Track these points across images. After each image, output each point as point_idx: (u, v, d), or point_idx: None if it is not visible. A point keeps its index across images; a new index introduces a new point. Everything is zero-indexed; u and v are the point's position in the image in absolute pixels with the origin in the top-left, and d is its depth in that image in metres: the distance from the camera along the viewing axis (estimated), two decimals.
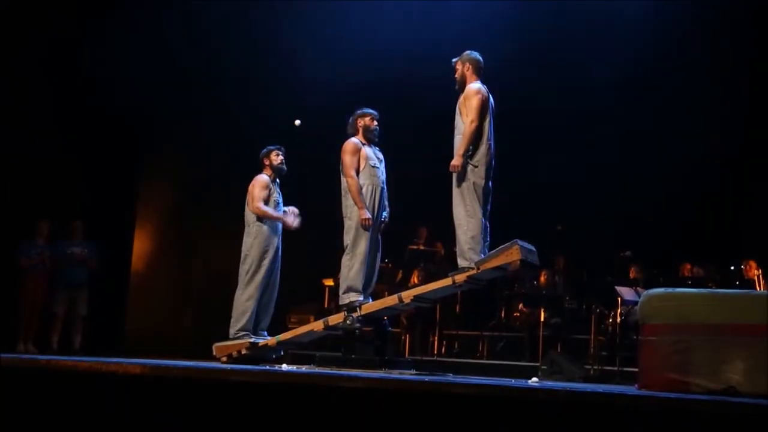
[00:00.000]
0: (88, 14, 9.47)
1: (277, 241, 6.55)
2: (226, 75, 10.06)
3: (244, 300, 6.45)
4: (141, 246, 10.71)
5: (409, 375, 5.39)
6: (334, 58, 9.47)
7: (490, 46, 9.19)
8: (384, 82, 9.41)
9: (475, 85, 5.74)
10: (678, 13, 9.36)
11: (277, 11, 9.84)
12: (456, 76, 5.88)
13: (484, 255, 5.62)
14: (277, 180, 6.69)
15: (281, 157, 6.65)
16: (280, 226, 6.58)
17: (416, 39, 9.48)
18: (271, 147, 6.70)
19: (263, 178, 6.59)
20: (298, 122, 6.32)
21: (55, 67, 9.43)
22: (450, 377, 5.50)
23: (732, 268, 8.64)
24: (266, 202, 6.51)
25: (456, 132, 5.75)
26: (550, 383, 5.75)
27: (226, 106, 10.07)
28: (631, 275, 8.55)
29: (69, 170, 9.58)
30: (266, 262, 6.45)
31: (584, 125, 9.76)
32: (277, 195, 6.61)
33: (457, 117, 5.77)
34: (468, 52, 5.90)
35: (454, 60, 5.93)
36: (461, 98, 5.76)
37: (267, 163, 6.66)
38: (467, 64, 5.86)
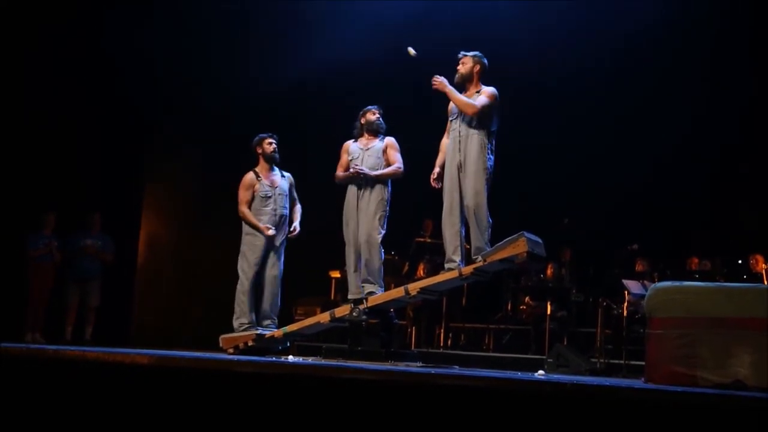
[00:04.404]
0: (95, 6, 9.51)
1: (269, 225, 6.55)
2: (229, 71, 10.05)
3: (240, 294, 6.52)
4: (148, 237, 10.75)
5: (415, 367, 5.40)
6: (339, 48, 9.44)
7: (497, 42, 9.28)
8: (388, 68, 9.39)
9: (494, 89, 5.84)
10: (684, 4, 9.36)
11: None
12: (463, 70, 5.89)
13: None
14: (275, 168, 6.69)
15: (274, 146, 6.65)
16: (276, 219, 6.56)
17: (432, 22, 9.46)
18: (263, 135, 6.70)
19: (247, 177, 6.63)
20: (412, 51, 6.10)
21: (61, 59, 9.45)
22: (456, 370, 5.51)
23: (740, 262, 8.62)
24: (253, 198, 6.56)
25: (472, 124, 5.78)
26: (556, 376, 5.74)
27: (233, 98, 10.07)
28: (638, 268, 8.53)
29: (76, 162, 9.61)
30: (256, 258, 6.49)
31: (591, 118, 9.74)
32: (266, 188, 6.59)
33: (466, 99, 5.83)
34: (480, 54, 5.93)
35: (465, 54, 5.93)
36: (480, 95, 5.80)
37: (259, 151, 6.67)
38: (478, 66, 5.90)
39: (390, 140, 6.33)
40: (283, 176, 6.70)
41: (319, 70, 9.53)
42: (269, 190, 6.60)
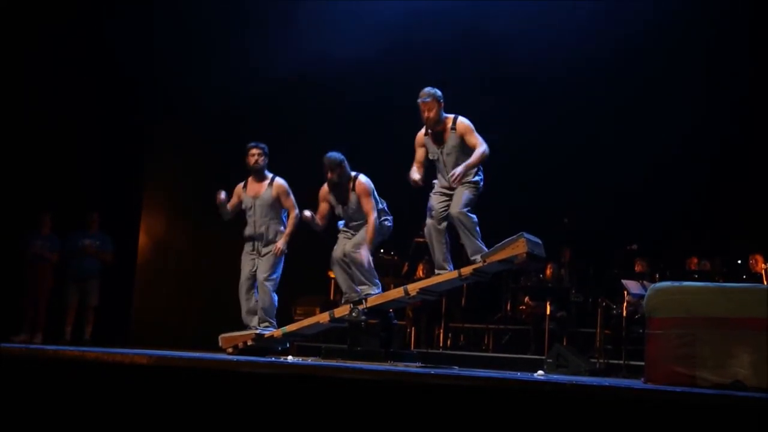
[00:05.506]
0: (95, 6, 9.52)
1: (250, 231, 6.60)
2: (229, 71, 10.04)
3: None
4: (147, 237, 10.75)
5: (414, 367, 5.39)
6: (344, 42, 9.42)
7: (497, 41, 9.28)
8: (388, 67, 9.37)
9: (468, 120, 5.85)
10: (684, 4, 9.37)
11: None
12: (432, 115, 5.81)
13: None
14: (264, 176, 6.59)
15: (255, 157, 6.55)
16: (255, 230, 6.59)
17: (431, 21, 9.43)
18: (248, 145, 6.62)
19: (238, 186, 6.72)
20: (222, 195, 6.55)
21: (61, 59, 9.46)
22: (455, 370, 5.51)
23: (739, 262, 8.61)
24: (239, 207, 6.68)
25: (458, 162, 5.77)
26: (555, 376, 5.74)
27: (233, 98, 10.07)
28: (638, 268, 8.53)
29: (76, 162, 9.61)
30: (246, 262, 6.63)
31: (591, 118, 9.74)
32: (248, 200, 6.60)
33: (456, 140, 5.80)
34: (435, 89, 5.87)
35: (426, 99, 5.82)
36: (458, 133, 5.79)
37: (247, 162, 6.63)
38: (441, 103, 5.86)
39: (360, 184, 6.12)
40: (270, 185, 6.58)
41: (319, 70, 9.52)
42: (250, 201, 6.61)
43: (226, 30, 9.99)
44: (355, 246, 6.10)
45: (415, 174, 5.84)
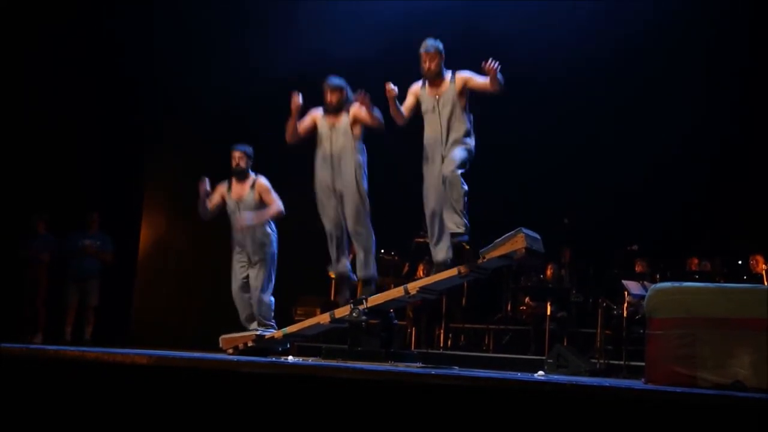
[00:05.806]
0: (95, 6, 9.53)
1: (238, 236, 6.59)
2: (229, 71, 10.04)
3: None
4: (148, 237, 10.75)
5: (414, 367, 5.39)
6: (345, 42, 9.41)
7: (496, 40, 9.26)
8: (388, 66, 9.35)
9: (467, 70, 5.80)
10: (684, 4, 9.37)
11: None
12: (433, 66, 5.81)
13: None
14: (247, 177, 6.56)
15: (236, 160, 6.56)
16: (241, 234, 6.57)
17: (431, 21, 9.42)
18: (232, 147, 6.62)
19: (222, 184, 6.67)
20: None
21: (61, 59, 9.47)
22: (455, 370, 5.50)
23: (740, 262, 8.61)
24: (222, 208, 6.65)
25: (453, 115, 5.76)
26: (555, 377, 5.74)
27: (233, 98, 10.07)
28: (638, 269, 8.53)
29: (76, 162, 9.62)
30: (236, 266, 6.62)
31: (591, 118, 9.74)
32: (232, 204, 6.57)
33: (454, 93, 5.77)
34: (437, 41, 5.84)
35: (429, 50, 5.80)
36: (457, 85, 5.76)
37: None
38: (443, 56, 5.85)
39: (355, 109, 5.98)
40: (252, 187, 6.57)
41: (319, 70, 9.47)
42: (234, 204, 6.60)
43: (226, 30, 9.99)
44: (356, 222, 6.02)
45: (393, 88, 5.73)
